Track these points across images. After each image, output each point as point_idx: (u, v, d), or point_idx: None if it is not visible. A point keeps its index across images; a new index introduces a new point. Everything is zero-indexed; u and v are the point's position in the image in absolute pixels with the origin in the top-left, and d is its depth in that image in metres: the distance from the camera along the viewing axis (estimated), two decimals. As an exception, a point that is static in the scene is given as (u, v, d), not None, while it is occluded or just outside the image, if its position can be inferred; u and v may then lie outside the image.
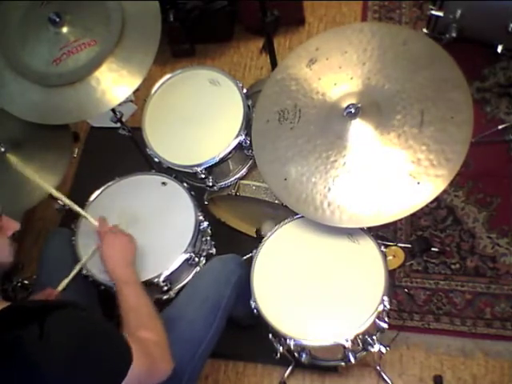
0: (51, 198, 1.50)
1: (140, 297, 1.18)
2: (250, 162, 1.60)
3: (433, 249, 1.82)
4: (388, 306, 1.22)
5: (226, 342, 1.36)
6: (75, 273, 1.34)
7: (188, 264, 1.41)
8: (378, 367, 1.66)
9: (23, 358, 0.81)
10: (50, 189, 1.40)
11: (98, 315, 1.16)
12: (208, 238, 1.52)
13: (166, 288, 1.39)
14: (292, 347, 1.24)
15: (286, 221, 1.39)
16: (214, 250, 1.54)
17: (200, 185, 1.58)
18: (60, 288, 1.31)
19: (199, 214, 1.45)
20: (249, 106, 1.51)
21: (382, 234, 1.85)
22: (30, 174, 1.40)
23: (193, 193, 1.48)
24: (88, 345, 0.88)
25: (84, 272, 1.37)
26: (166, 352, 1.08)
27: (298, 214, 1.35)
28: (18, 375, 0.81)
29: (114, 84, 1.35)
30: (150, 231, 1.42)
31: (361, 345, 1.28)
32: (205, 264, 1.47)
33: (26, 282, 1.84)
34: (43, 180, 1.41)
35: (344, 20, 2.45)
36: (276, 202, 1.54)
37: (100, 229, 1.35)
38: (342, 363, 1.40)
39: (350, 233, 1.31)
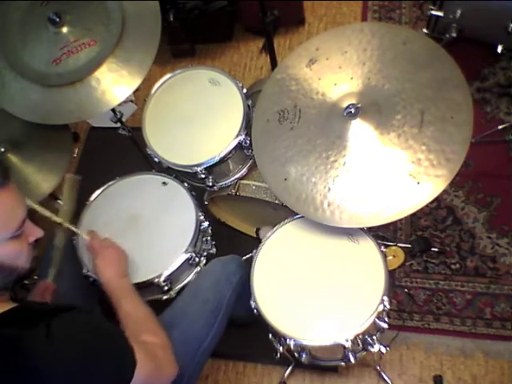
0: (51, 197, 1.50)
1: (138, 305, 1.18)
2: (250, 161, 1.60)
3: (433, 249, 1.82)
4: (388, 306, 1.22)
5: (226, 341, 1.36)
6: (57, 259, 1.32)
7: (188, 264, 1.41)
8: (378, 367, 1.66)
9: (29, 357, 0.82)
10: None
11: (102, 318, 1.17)
12: (208, 238, 1.52)
13: (166, 288, 1.39)
14: (292, 347, 1.24)
15: (286, 221, 1.38)
16: (214, 250, 1.55)
17: (200, 185, 1.58)
18: (50, 279, 1.29)
19: (200, 213, 1.45)
20: (249, 106, 1.51)
21: (382, 234, 1.85)
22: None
23: (193, 193, 1.49)
24: (93, 347, 0.89)
25: (85, 272, 1.37)
26: (171, 355, 1.09)
27: (297, 214, 1.35)
28: (24, 374, 0.81)
29: (113, 84, 1.35)
30: (150, 231, 1.42)
31: (361, 345, 1.28)
32: (205, 264, 1.47)
33: (26, 282, 1.84)
34: (42, 181, 1.42)
35: (344, 20, 2.45)
36: (276, 201, 1.54)
37: (91, 243, 1.31)
38: (342, 363, 1.40)
39: (350, 233, 1.31)
